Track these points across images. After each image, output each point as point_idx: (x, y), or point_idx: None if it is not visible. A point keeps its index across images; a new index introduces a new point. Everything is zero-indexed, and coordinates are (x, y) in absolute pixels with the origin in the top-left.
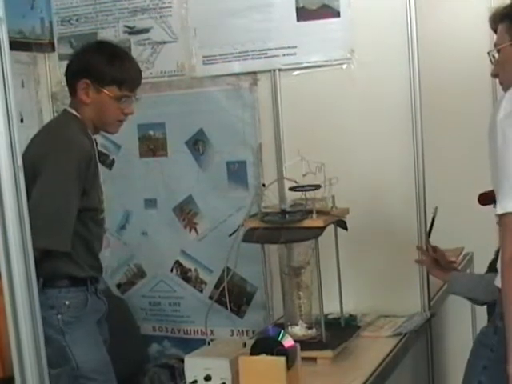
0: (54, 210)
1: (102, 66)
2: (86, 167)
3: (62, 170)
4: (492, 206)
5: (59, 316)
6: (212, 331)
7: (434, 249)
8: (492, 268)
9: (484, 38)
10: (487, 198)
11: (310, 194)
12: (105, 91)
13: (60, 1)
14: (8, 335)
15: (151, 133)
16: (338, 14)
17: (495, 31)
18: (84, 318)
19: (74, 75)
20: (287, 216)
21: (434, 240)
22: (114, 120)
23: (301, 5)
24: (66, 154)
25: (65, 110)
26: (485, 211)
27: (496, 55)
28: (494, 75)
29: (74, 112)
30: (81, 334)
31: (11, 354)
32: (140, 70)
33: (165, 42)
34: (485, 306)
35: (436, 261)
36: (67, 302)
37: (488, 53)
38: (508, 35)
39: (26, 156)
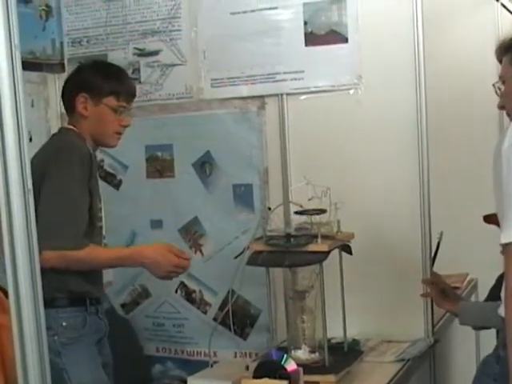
0: (64, 209)
1: (99, 79)
2: (88, 167)
3: (66, 171)
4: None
5: (55, 337)
6: (215, 353)
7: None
8: (492, 294)
9: (492, 63)
10: (491, 220)
11: (315, 219)
12: (103, 103)
13: (71, 22)
14: (14, 354)
15: (159, 154)
16: (345, 40)
17: (501, 62)
18: (82, 339)
19: (71, 93)
20: (292, 240)
21: (439, 265)
22: (113, 132)
23: (309, 30)
24: (67, 156)
25: (61, 127)
26: (489, 237)
27: (502, 87)
28: (501, 107)
29: (72, 127)
30: (78, 356)
31: (17, 373)
32: (134, 83)
33: (174, 65)
34: (488, 332)
35: (442, 291)
36: (64, 323)
37: (493, 85)
38: None
39: None
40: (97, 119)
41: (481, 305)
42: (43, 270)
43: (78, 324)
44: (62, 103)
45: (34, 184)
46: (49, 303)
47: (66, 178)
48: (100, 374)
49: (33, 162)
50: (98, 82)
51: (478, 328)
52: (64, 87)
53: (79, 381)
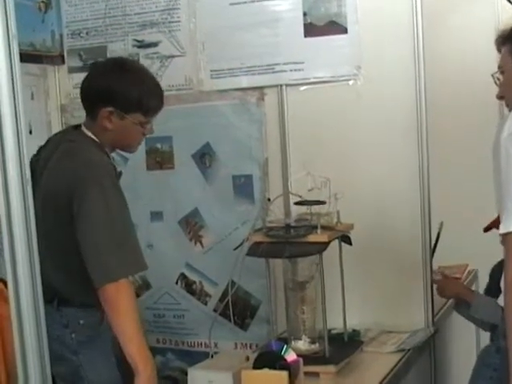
0: (120, 235)
1: (128, 93)
2: (118, 183)
3: (103, 197)
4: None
5: (73, 335)
6: (216, 344)
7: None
8: (489, 292)
9: (492, 54)
10: (492, 226)
11: (314, 209)
12: (129, 118)
13: (70, 14)
14: (13, 344)
15: (158, 146)
16: (345, 31)
17: (500, 52)
18: (99, 336)
19: (95, 98)
20: (292, 231)
21: (439, 256)
22: (136, 143)
23: (308, 21)
24: (99, 183)
25: (80, 130)
26: None
27: (500, 77)
28: (500, 97)
29: (91, 135)
30: (94, 353)
31: (16, 364)
32: (162, 92)
33: (173, 56)
34: None
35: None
36: (82, 321)
37: (492, 75)
38: (511, 57)
39: (44, 184)
40: (121, 132)
41: (494, 301)
42: (62, 272)
43: (95, 321)
44: (61, 95)
45: (56, 200)
46: (68, 302)
47: (105, 204)
48: (115, 372)
49: (53, 169)
50: (126, 96)
51: (479, 325)
52: (86, 89)
53: (94, 378)
